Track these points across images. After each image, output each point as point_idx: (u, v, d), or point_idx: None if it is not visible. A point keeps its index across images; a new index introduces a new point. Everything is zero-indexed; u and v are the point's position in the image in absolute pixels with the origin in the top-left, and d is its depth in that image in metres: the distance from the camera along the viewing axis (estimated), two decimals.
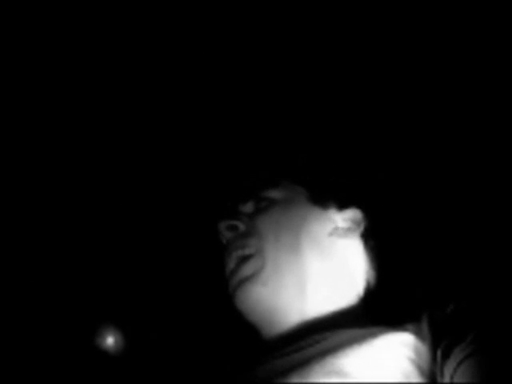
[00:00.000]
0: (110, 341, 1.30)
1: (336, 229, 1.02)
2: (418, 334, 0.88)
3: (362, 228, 1.03)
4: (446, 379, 0.80)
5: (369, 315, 0.99)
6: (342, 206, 1.04)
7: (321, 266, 0.99)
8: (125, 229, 1.35)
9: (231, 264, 1.00)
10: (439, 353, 0.83)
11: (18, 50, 1.22)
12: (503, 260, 1.15)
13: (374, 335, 0.87)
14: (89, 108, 1.32)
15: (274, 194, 1.04)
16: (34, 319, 1.28)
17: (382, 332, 0.88)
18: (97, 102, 1.32)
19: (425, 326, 0.88)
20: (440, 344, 0.84)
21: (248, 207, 1.05)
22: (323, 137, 1.28)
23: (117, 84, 1.30)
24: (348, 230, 1.02)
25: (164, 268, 1.34)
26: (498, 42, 1.22)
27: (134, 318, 1.32)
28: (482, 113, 1.26)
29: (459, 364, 0.78)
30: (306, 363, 0.84)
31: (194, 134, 1.33)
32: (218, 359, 1.20)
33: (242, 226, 1.02)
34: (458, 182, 1.26)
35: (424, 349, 0.86)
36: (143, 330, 1.32)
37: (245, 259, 0.99)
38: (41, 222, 1.29)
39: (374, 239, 1.04)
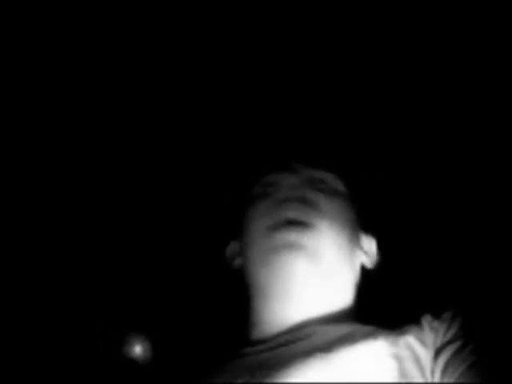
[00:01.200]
0: (137, 349, 1.29)
1: (362, 248, 1.06)
2: (419, 338, 0.86)
3: (371, 264, 1.07)
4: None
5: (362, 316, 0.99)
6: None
7: (351, 271, 1.02)
8: (149, 238, 1.37)
9: (289, 212, 0.95)
10: (440, 360, 0.81)
11: (18, 49, 1.25)
12: (502, 263, 1.13)
13: (374, 335, 0.86)
14: (88, 108, 1.34)
15: (336, 184, 1.05)
16: (62, 326, 1.30)
17: (382, 333, 0.87)
18: (96, 101, 1.34)
19: (426, 331, 0.87)
20: (440, 351, 0.82)
21: (328, 181, 1.04)
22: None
23: (116, 84, 1.33)
24: (366, 255, 1.07)
25: (191, 277, 1.34)
26: (498, 42, 1.22)
27: (162, 327, 1.31)
28: (479, 114, 1.26)
29: (460, 374, 0.78)
30: (297, 358, 0.82)
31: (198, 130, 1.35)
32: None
33: (309, 194, 0.99)
34: (456, 186, 1.25)
35: (425, 354, 0.84)
36: (171, 339, 1.30)
37: (303, 225, 0.95)
38: (60, 227, 1.32)
39: None
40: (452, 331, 0.84)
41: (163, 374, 1.28)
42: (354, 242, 1.02)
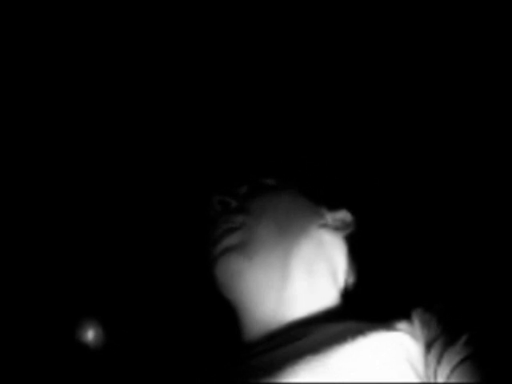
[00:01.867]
0: (90, 335, 1.29)
1: (325, 224, 1.03)
2: (410, 333, 0.87)
3: (349, 230, 1.06)
4: (440, 381, 0.80)
5: (350, 313, 0.97)
6: (333, 207, 1.06)
7: (306, 254, 0.98)
8: (107, 222, 1.33)
9: (216, 234, 0.98)
10: (433, 354, 0.83)
11: (18, 49, 1.21)
12: (492, 255, 1.14)
13: (364, 333, 0.85)
14: (87, 107, 1.31)
15: (269, 181, 1.06)
16: (14, 311, 1.25)
17: (372, 330, 0.86)
18: (95, 101, 1.31)
19: (417, 326, 0.88)
20: (432, 344, 0.83)
21: (242, 190, 1.06)
22: (322, 139, 1.29)
23: (115, 84, 1.29)
24: (336, 229, 1.04)
25: (147, 262, 1.34)
26: (498, 43, 1.22)
27: (116, 312, 1.32)
28: (469, 120, 1.26)
29: (455, 367, 0.78)
30: (288, 360, 0.81)
31: (191, 130, 1.32)
32: (200, 356, 1.22)
33: (233, 203, 1.03)
34: (445, 179, 1.26)
35: (417, 349, 0.85)
36: (124, 324, 1.31)
37: (231, 230, 0.97)
38: (27, 218, 1.25)
39: (358, 244, 1.05)
40: (443, 323, 0.85)
41: (115, 360, 1.32)
42: (302, 223, 1.01)
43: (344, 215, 1.06)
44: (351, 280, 1.06)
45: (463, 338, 0.81)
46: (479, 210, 1.21)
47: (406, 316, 0.90)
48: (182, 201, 1.33)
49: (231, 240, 0.96)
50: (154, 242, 1.32)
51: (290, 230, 0.98)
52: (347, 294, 1.04)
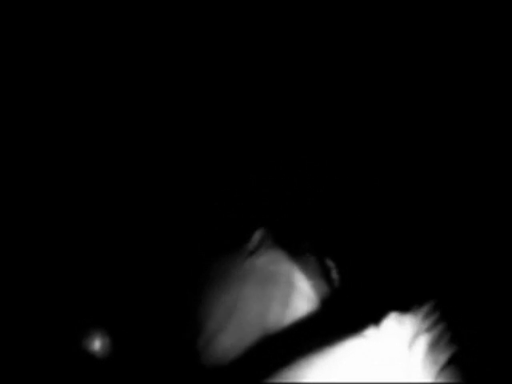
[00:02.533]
0: (97, 344, 1.26)
1: (251, 253, 1.07)
2: (395, 332, 0.87)
3: (269, 241, 1.08)
4: (429, 381, 0.81)
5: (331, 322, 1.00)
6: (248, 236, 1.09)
7: (252, 288, 1.03)
8: (114, 228, 1.30)
9: None
10: (416, 354, 0.83)
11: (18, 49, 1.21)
12: (479, 254, 1.12)
13: (351, 335, 0.87)
14: (86, 107, 1.30)
15: None
16: (19, 318, 1.22)
17: (358, 332, 0.88)
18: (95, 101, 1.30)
19: (401, 324, 0.88)
20: (413, 344, 0.84)
21: None
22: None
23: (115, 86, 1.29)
24: (257, 249, 1.08)
25: (155, 271, 1.31)
26: (498, 43, 1.21)
27: (123, 321, 1.29)
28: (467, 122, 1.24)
29: (443, 368, 0.79)
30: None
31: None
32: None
33: None
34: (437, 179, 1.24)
35: (401, 348, 0.85)
36: (132, 334, 1.29)
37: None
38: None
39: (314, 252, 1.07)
40: (424, 323, 0.86)
41: (122, 370, 1.30)
42: (233, 267, 1.07)
43: (257, 235, 1.08)
44: (326, 287, 1.07)
45: (446, 337, 0.82)
46: (464, 207, 1.19)
47: (389, 316, 0.90)
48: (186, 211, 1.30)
49: None
50: (162, 252, 1.29)
51: (227, 286, 1.04)
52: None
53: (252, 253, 1.05)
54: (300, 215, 1.09)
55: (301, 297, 1.02)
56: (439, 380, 0.79)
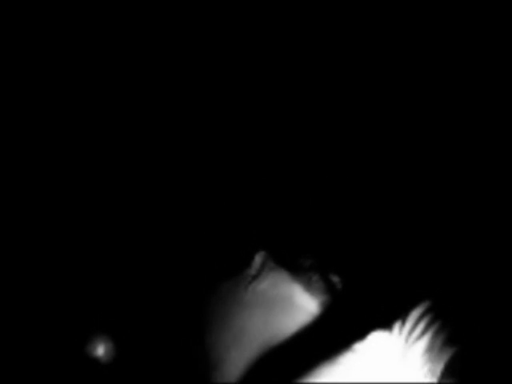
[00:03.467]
0: (101, 350, 1.25)
1: (250, 279, 1.05)
2: (387, 341, 0.90)
3: (270, 264, 1.05)
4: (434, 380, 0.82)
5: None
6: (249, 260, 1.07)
7: (255, 317, 1.02)
8: (118, 233, 1.29)
9: None
10: (412, 362, 0.85)
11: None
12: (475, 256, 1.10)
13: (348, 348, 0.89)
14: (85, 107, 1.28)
15: None
16: (23, 323, 1.23)
17: (355, 343, 0.90)
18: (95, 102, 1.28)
19: (396, 332, 0.90)
20: (406, 352, 0.86)
21: None
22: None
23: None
24: (259, 273, 1.05)
25: (159, 278, 1.29)
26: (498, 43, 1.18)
27: (126, 327, 1.28)
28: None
29: (446, 366, 0.81)
30: None
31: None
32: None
33: None
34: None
35: (397, 356, 0.88)
36: (135, 339, 1.28)
37: None
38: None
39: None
40: (418, 330, 0.87)
41: (126, 376, 1.29)
42: (232, 295, 1.06)
43: (258, 259, 1.06)
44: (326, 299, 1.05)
45: (439, 340, 0.82)
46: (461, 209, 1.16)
47: (385, 324, 0.91)
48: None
49: None
50: (167, 258, 1.27)
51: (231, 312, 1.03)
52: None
53: (255, 277, 1.03)
54: (299, 233, 1.06)
55: (306, 317, 1.00)
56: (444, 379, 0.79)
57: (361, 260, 1.08)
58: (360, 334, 0.91)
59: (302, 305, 0.99)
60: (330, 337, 0.96)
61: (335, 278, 1.01)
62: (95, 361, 1.25)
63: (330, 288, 1.00)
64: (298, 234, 1.06)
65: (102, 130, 1.26)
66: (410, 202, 1.14)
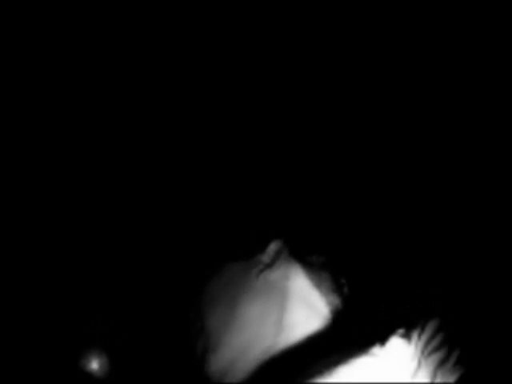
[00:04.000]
0: (94, 364, 1.23)
1: (267, 265, 1.04)
2: (399, 352, 0.89)
3: (285, 254, 1.05)
4: None
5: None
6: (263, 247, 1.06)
7: (263, 307, 1.01)
8: (113, 242, 1.28)
9: None
10: (425, 371, 0.84)
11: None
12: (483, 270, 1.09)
13: (354, 354, 0.88)
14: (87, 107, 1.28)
15: None
16: (17, 338, 1.19)
17: (362, 351, 0.89)
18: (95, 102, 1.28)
19: (407, 344, 0.89)
20: (422, 362, 0.85)
21: None
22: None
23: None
24: (272, 262, 1.04)
25: (154, 289, 1.28)
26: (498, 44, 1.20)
27: (120, 341, 1.26)
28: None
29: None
30: None
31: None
32: None
33: None
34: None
35: (407, 367, 0.87)
36: (129, 354, 1.26)
37: None
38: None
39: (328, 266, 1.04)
40: (435, 341, 0.87)
41: None
42: (243, 283, 1.04)
43: (273, 246, 1.05)
44: (337, 300, 1.05)
45: (455, 355, 0.82)
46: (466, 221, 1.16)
47: (396, 334, 0.91)
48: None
49: None
50: (162, 267, 1.26)
51: (239, 299, 1.02)
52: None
53: (268, 265, 1.02)
54: (315, 229, 1.07)
55: (314, 315, 1.00)
56: None
57: (376, 263, 1.09)
58: (379, 339, 0.91)
59: (311, 301, 0.99)
60: (347, 338, 0.95)
61: (343, 280, 1.02)
62: (89, 375, 1.23)
63: (337, 289, 1.01)
64: (315, 231, 1.06)
65: (102, 130, 1.26)
66: (426, 209, 1.16)
